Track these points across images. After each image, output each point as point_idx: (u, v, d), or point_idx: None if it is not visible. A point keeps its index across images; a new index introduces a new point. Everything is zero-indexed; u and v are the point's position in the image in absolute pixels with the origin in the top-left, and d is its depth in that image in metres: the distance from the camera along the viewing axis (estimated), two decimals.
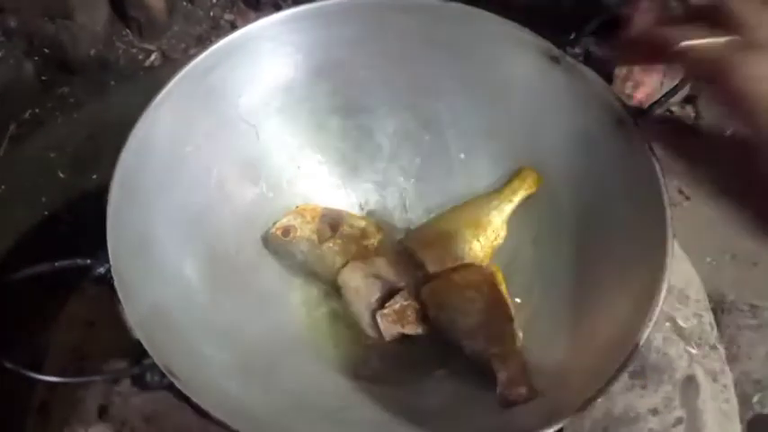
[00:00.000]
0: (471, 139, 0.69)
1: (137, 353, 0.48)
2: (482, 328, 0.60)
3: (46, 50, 1.06)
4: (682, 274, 0.69)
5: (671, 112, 0.97)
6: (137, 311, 0.49)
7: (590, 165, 0.62)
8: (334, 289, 0.64)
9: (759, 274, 0.87)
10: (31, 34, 1.06)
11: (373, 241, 0.66)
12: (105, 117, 1.00)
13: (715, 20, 0.37)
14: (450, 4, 0.64)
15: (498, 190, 0.67)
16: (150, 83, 0.60)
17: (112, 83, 1.05)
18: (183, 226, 0.59)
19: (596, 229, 0.61)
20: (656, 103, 0.60)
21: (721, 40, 0.36)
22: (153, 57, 1.08)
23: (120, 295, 0.49)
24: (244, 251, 0.64)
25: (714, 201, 0.39)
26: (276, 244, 0.65)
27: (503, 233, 0.66)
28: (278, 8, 0.63)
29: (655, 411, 0.56)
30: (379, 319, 0.61)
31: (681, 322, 0.64)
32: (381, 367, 0.61)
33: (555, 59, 0.63)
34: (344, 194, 0.70)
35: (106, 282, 0.51)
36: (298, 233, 0.64)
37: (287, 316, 0.63)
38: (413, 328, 0.62)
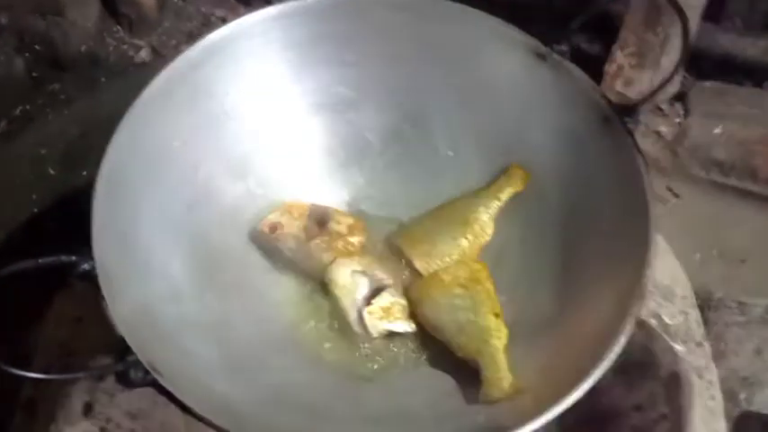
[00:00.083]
0: (459, 136, 0.69)
1: (121, 349, 0.48)
2: (468, 325, 0.60)
3: (37, 47, 1.06)
4: (668, 271, 0.70)
5: (660, 109, 0.97)
6: (121, 308, 0.50)
7: (576, 162, 0.63)
8: (321, 286, 0.64)
9: (747, 271, 0.87)
10: (21, 31, 1.06)
11: (360, 238, 0.66)
12: (96, 113, 1.00)
13: None
14: (437, 1, 0.65)
15: (486, 187, 0.67)
16: (141, 79, 0.60)
17: (103, 79, 1.05)
18: (169, 222, 0.59)
19: (582, 225, 0.61)
20: (642, 100, 0.61)
21: None
22: (143, 53, 1.08)
23: (105, 292, 0.50)
24: (230, 248, 0.64)
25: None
26: (263, 241, 0.65)
27: (490, 231, 0.66)
28: (269, 4, 0.63)
29: (639, 408, 0.57)
30: (365, 316, 0.61)
31: (667, 319, 0.65)
32: (368, 363, 0.61)
33: (541, 57, 0.63)
34: (332, 191, 0.70)
35: (91, 278, 0.51)
36: (285, 230, 0.64)
37: (273, 312, 0.63)
38: (399, 325, 0.62)
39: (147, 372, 0.47)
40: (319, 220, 0.66)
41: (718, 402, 0.62)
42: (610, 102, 0.60)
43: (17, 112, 1.03)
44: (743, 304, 0.84)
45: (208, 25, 1.10)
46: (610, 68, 0.97)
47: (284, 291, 0.65)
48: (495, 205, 0.66)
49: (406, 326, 0.62)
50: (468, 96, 0.67)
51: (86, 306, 0.66)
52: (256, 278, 0.64)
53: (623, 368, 0.59)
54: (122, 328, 0.48)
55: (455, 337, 0.60)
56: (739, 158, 0.92)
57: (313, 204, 0.67)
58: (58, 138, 1.00)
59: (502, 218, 0.66)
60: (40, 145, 0.99)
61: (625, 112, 0.60)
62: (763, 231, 0.89)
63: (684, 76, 1.00)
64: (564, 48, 0.63)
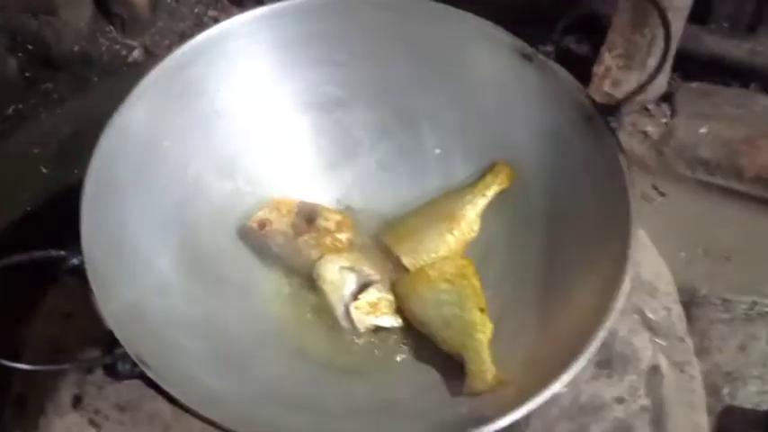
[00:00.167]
0: (447, 134, 0.70)
1: (110, 342, 0.49)
2: (454, 320, 0.61)
3: (29, 46, 1.07)
4: (652, 267, 0.71)
5: (647, 110, 0.98)
6: (109, 301, 0.50)
7: (561, 160, 0.64)
8: (309, 281, 0.65)
9: (731, 268, 0.88)
10: (14, 30, 1.06)
11: (349, 235, 0.67)
12: (88, 113, 1.00)
13: None
14: (425, 2, 0.66)
15: (472, 185, 0.68)
16: (133, 79, 0.61)
17: (96, 79, 1.06)
18: (158, 218, 0.60)
19: (566, 222, 0.62)
20: (624, 99, 0.62)
21: None
22: (136, 53, 1.08)
23: (93, 286, 0.50)
24: (220, 244, 0.64)
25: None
26: (252, 237, 0.66)
27: (476, 227, 0.67)
28: (261, 5, 0.64)
29: (620, 400, 0.58)
30: (352, 311, 0.62)
31: (649, 314, 0.66)
32: (354, 357, 0.62)
33: (527, 57, 0.64)
34: (321, 189, 0.70)
35: (81, 273, 0.51)
36: (273, 226, 0.65)
37: (261, 307, 0.64)
38: (386, 320, 0.63)
39: (134, 364, 0.48)
40: (308, 216, 0.67)
41: (699, 396, 0.63)
42: (593, 101, 0.61)
43: (10, 111, 1.04)
44: (727, 301, 0.85)
45: (200, 26, 1.10)
46: (598, 70, 0.98)
47: (272, 286, 0.65)
48: (482, 202, 0.67)
49: (393, 320, 0.63)
50: (456, 95, 0.68)
51: (77, 301, 0.66)
52: (245, 274, 0.65)
53: (605, 361, 0.60)
54: (110, 322, 0.49)
55: (441, 332, 0.60)
56: (724, 158, 0.94)
57: (302, 201, 0.68)
58: (50, 137, 1.01)
59: (488, 215, 0.67)
60: (33, 144, 1.00)
61: (608, 111, 0.61)
62: (748, 230, 0.90)
63: (671, 77, 1.01)
64: (549, 48, 0.64)
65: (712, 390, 0.77)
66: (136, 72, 1.08)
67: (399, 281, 0.65)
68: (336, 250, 0.66)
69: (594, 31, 1.00)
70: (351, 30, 0.66)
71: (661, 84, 0.99)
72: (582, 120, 0.62)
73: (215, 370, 0.55)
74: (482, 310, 0.61)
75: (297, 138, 0.70)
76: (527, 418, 0.53)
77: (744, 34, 1.02)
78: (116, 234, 0.56)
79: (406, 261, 0.66)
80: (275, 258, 0.66)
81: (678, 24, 0.91)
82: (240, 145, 0.67)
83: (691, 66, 1.00)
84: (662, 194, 0.94)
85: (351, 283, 0.64)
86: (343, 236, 0.66)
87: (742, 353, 0.82)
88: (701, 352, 0.77)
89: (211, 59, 0.62)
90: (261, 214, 0.66)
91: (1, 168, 0.98)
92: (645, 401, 0.57)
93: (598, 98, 0.62)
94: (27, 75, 1.06)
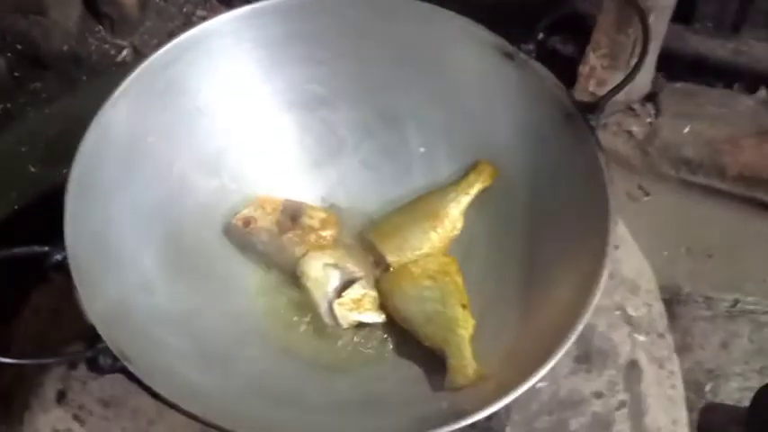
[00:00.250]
0: (430, 133, 0.70)
1: (92, 336, 0.49)
2: (436, 316, 0.61)
3: (18, 46, 1.07)
4: (634, 265, 0.71)
5: (632, 109, 0.99)
6: (92, 297, 0.51)
7: (541, 158, 0.64)
8: (293, 278, 0.65)
9: (714, 267, 0.89)
10: (3, 30, 1.07)
11: (333, 232, 0.67)
12: (77, 112, 0.99)
13: None
14: (407, 0, 0.66)
15: (456, 183, 0.69)
16: (122, 78, 0.61)
17: (84, 78, 1.06)
18: (142, 215, 0.60)
19: (547, 219, 0.63)
20: (603, 97, 0.62)
21: None
22: (125, 53, 1.09)
23: (76, 281, 0.51)
24: (204, 241, 0.65)
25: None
26: (237, 235, 0.66)
27: (459, 225, 0.68)
28: (249, 4, 0.65)
29: (599, 394, 0.58)
30: (335, 307, 0.62)
31: (631, 311, 0.66)
32: (338, 354, 0.62)
33: (508, 56, 0.65)
34: (306, 187, 0.71)
35: (67, 270, 0.52)
36: (258, 224, 0.66)
37: (246, 304, 0.64)
38: (369, 316, 0.63)
39: (116, 358, 0.48)
40: (292, 214, 0.67)
41: (679, 392, 0.64)
42: (573, 99, 0.62)
43: None
44: (710, 299, 0.86)
45: (189, 25, 1.10)
46: (583, 69, 0.99)
47: (256, 283, 0.66)
48: (465, 200, 0.68)
49: (376, 316, 0.63)
50: (439, 94, 0.69)
51: (63, 299, 0.67)
52: (229, 271, 0.65)
53: (584, 356, 0.61)
54: (92, 316, 0.49)
55: (423, 327, 0.61)
56: (707, 157, 0.95)
57: (286, 199, 0.68)
58: (39, 136, 1.01)
59: (471, 213, 0.68)
60: (21, 143, 1.00)
61: (588, 109, 0.61)
62: (731, 228, 0.91)
63: (656, 77, 1.02)
64: (531, 47, 0.65)
65: (695, 387, 0.78)
66: (125, 72, 1.09)
67: (383, 278, 0.66)
68: (321, 247, 0.66)
69: (580, 31, 1.01)
70: (334, 28, 0.67)
71: (645, 84, 1.01)
72: (562, 118, 0.62)
73: (198, 366, 0.56)
74: (464, 307, 0.62)
75: (281, 136, 0.70)
76: (507, 412, 0.54)
77: (728, 34, 1.03)
78: (100, 231, 0.56)
79: (391, 258, 0.66)
80: (260, 256, 0.66)
81: (662, 24, 0.92)
82: (224, 142, 0.67)
83: (675, 66, 1.01)
84: (647, 194, 0.95)
85: (335, 280, 0.65)
86: (327, 233, 0.67)
87: (724, 350, 0.83)
88: (684, 349, 0.78)
89: (194, 58, 0.63)
90: (246, 212, 0.66)
91: None
92: (623, 396, 0.58)
93: (584, 98, 0.63)
94: (16, 74, 1.07)
